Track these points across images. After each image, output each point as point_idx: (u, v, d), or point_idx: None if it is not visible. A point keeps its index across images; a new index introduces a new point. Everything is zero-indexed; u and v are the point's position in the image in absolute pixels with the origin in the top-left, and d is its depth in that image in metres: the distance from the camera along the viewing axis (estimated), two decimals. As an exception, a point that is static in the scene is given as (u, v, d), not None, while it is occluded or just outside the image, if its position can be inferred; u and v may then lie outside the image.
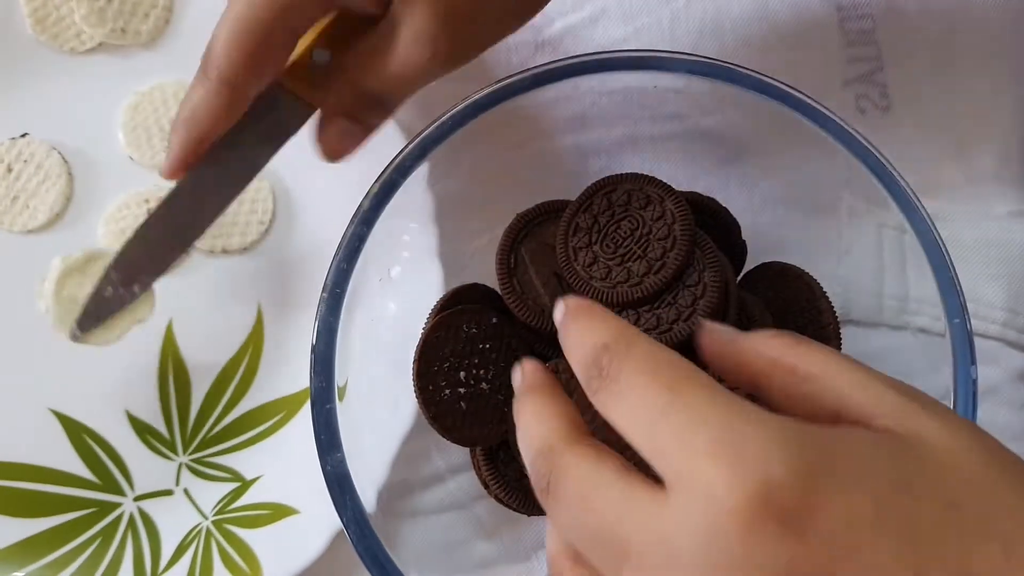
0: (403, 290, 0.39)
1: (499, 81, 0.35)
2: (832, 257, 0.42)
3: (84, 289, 0.40)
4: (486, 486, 0.39)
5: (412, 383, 0.36)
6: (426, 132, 0.34)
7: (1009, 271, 0.42)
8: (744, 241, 0.40)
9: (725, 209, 0.40)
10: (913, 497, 0.20)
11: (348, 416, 0.34)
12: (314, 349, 0.33)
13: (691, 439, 0.20)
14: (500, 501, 0.38)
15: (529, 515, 0.39)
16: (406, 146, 0.34)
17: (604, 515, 0.22)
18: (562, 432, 0.24)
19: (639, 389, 0.22)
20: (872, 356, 0.41)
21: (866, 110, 0.46)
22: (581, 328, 0.25)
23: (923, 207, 0.33)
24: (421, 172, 0.36)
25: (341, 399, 0.34)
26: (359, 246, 0.34)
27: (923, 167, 0.45)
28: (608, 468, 0.22)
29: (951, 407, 0.33)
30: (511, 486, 0.38)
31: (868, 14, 0.46)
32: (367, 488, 0.34)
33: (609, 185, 0.38)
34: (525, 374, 0.28)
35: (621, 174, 0.38)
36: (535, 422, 0.25)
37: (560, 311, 0.27)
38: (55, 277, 0.40)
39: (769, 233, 0.42)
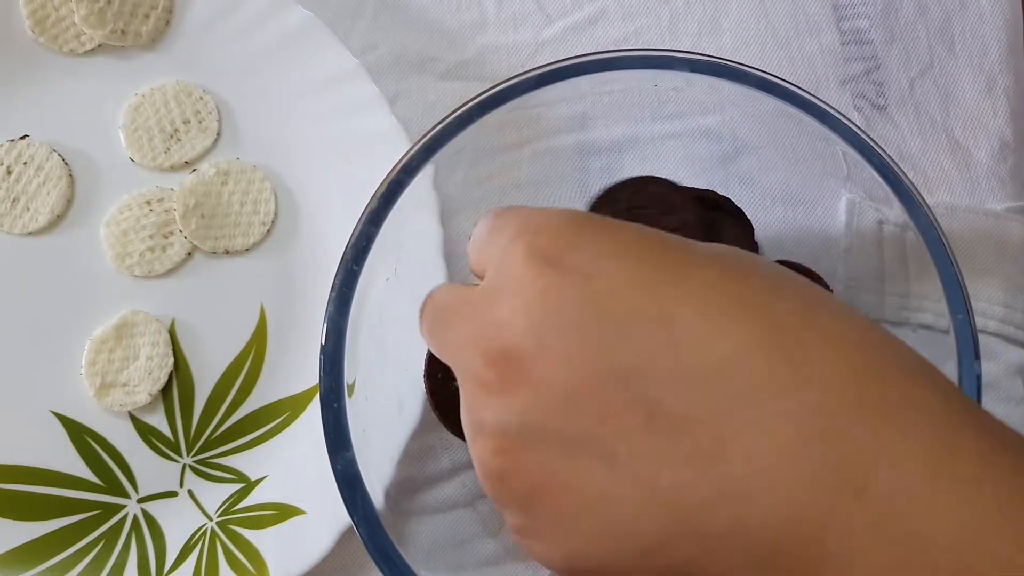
0: (409, 289, 0.39)
1: (504, 81, 0.35)
2: (833, 254, 0.42)
3: (114, 365, 0.42)
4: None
5: (421, 381, 0.37)
6: (433, 132, 0.34)
7: (1006, 267, 0.43)
8: (757, 242, 0.41)
9: (740, 210, 0.40)
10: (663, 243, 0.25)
11: (355, 415, 0.34)
12: (323, 350, 0.33)
13: (506, 231, 0.26)
14: None
15: None
16: (413, 146, 0.34)
17: (441, 303, 0.29)
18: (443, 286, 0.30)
19: (487, 224, 0.28)
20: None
21: (863, 108, 0.46)
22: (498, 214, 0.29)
23: (926, 203, 0.34)
24: (427, 172, 0.36)
25: (349, 398, 0.34)
26: (367, 246, 0.34)
27: (919, 164, 0.45)
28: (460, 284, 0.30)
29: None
30: None
31: (864, 13, 0.46)
32: (375, 487, 0.34)
33: (631, 186, 0.39)
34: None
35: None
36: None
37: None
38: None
39: (770, 231, 0.43)
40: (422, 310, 0.30)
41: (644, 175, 0.41)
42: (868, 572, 0.20)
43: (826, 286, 0.39)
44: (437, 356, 0.29)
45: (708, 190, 0.41)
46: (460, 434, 0.38)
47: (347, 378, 0.34)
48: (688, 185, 0.43)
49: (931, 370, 0.23)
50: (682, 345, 0.22)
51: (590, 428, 0.22)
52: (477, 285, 0.28)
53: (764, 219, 0.43)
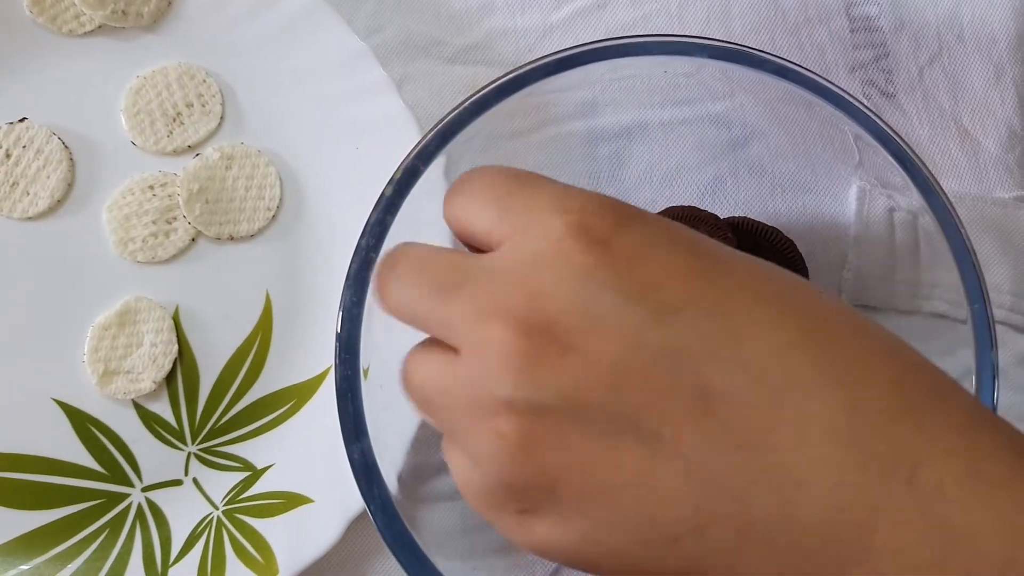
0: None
1: (524, 65, 0.34)
2: (843, 242, 0.42)
3: (117, 352, 0.42)
4: None
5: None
6: (449, 117, 0.34)
7: (1014, 255, 0.43)
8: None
9: (787, 240, 0.40)
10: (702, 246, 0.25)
11: (369, 402, 0.34)
12: (338, 337, 0.33)
13: (535, 202, 0.25)
14: None
15: None
16: (429, 132, 0.34)
17: (441, 267, 0.26)
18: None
19: (490, 179, 0.27)
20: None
21: (871, 96, 0.46)
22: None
23: (943, 189, 0.34)
24: (440, 158, 0.35)
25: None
26: (383, 233, 0.33)
27: (927, 152, 0.45)
28: (444, 249, 0.27)
29: (973, 392, 0.33)
30: None
31: (874, 0, 0.46)
32: (389, 474, 0.34)
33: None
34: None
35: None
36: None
37: None
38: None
39: (780, 218, 0.43)
40: (387, 268, 0.28)
41: (678, 205, 0.41)
42: (918, 558, 0.20)
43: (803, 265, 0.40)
44: (407, 322, 0.27)
45: (744, 217, 0.41)
46: None
47: (361, 367, 0.34)
48: (698, 175, 0.43)
49: (954, 382, 0.24)
50: (739, 333, 0.22)
51: (634, 407, 0.22)
52: (463, 252, 0.26)
53: (774, 207, 0.43)
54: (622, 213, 0.25)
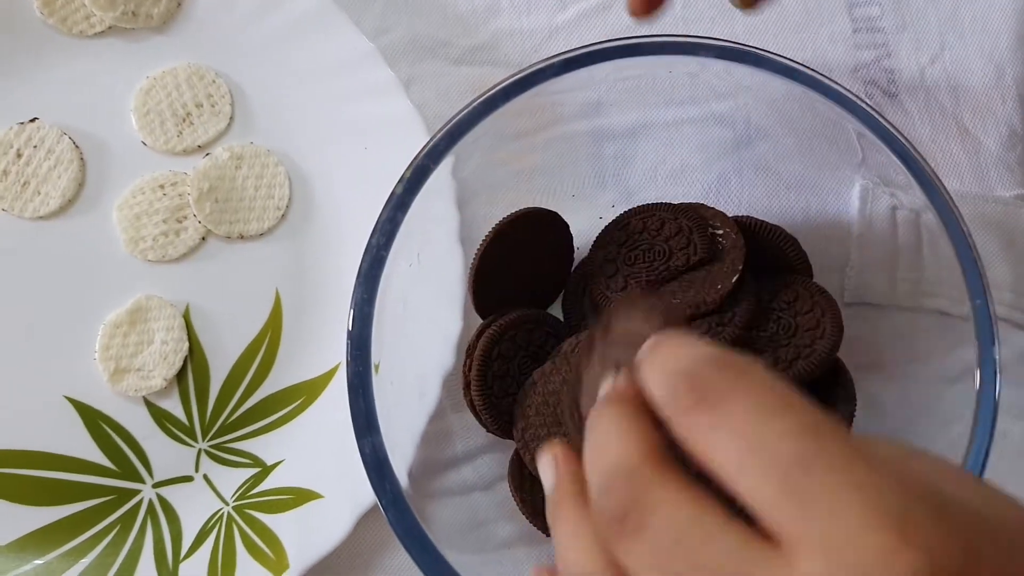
0: (429, 274, 0.40)
1: (531, 65, 0.35)
2: (845, 240, 0.43)
3: (128, 350, 0.42)
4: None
5: (440, 364, 0.37)
6: (458, 117, 0.34)
7: (1015, 253, 0.43)
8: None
9: (789, 238, 0.41)
10: None
11: (380, 398, 0.34)
12: (350, 335, 0.33)
13: (842, 500, 0.18)
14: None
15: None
16: (438, 131, 0.34)
17: (710, 560, 0.19)
18: (647, 454, 0.21)
19: (762, 424, 0.19)
20: (885, 338, 0.42)
21: (873, 95, 0.46)
22: (677, 343, 0.22)
23: (945, 188, 0.34)
24: (449, 157, 0.36)
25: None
26: (393, 231, 0.34)
27: (928, 151, 0.46)
28: (712, 513, 0.20)
29: (974, 388, 0.34)
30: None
31: (876, 1, 0.47)
32: (400, 469, 0.34)
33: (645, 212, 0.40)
34: (615, 385, 0.24)
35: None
36: (615, 437, 0.22)
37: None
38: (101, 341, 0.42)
39: (784, 216, 0.43)
40: (625, 524, 0.21)
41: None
42: None
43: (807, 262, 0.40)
44: None
45: (747, 216, 0.42)
46: (498, 427, 0.39)
47: (372, 363, 0.34)
48: (703, 173, 0.43)
49: None
50: None
51: None
52: (737, 538, 0.19)
53: (778, 205, 0.43)
54: (971, 541, 0.19)
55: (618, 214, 0.41)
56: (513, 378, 0.39)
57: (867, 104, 0.35)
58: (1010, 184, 0.45)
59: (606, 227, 0.41)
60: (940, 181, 0.34)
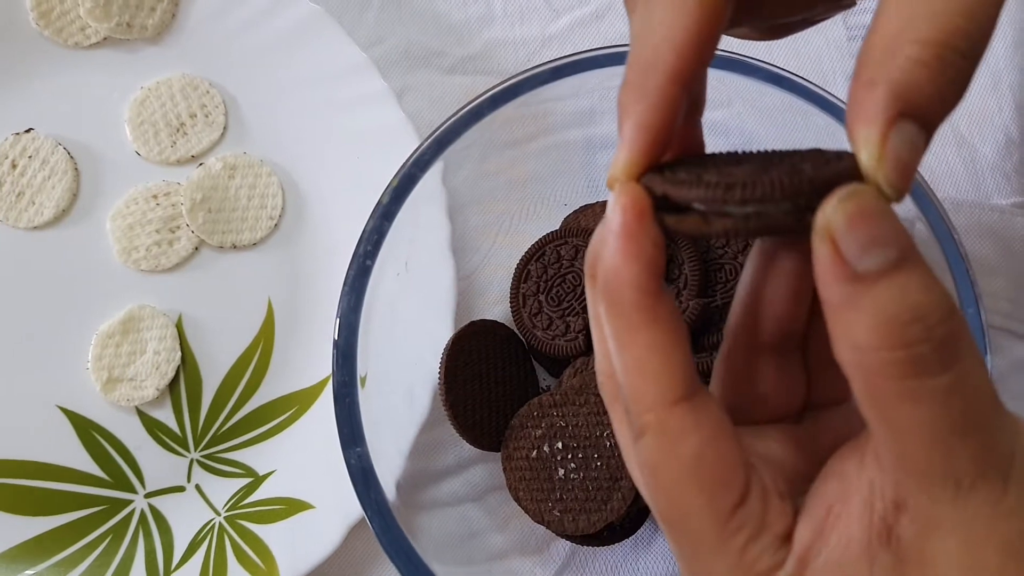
0: (418, 283, 0.39)
1: (517, 74, 0.35)
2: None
3: (121, 359, 0.42)
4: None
5: (430, 375, 0.37)
6: (445, 125, 0.34)
7: (1012, 261, 0.43)
8: None
9: None
10: None
11: (367, 409, 0.34)
12: (336, 344, 0.33)
13: None
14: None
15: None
16: (425, 140, 0.34)
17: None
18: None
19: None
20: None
21: (869, 104, 0.46)
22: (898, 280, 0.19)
23: (936, 197, 0.34)
24: (437, 166, 0.36)
25: (360, 391, 0.34)
26: (380, 240, 0.34)
27: (924, 160, 0.45)
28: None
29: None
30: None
31: (871, 8, 0.46)
32: (387, 480, 0.34)
33: (560, 239, 0.40)
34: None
35: (576, 226, 0.40)
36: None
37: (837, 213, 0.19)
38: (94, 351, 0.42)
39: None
40: None
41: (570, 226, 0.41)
42: None
43: None
44: None
45: None
46: (469, 435, 0.39)
47: (359, 373, 0.34)
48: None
49: None
50: None
51: None
52: None
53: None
54: None
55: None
56: (481, 380, 0.39)
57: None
58: (1007, 192, 0.44)
59: (523, 257, 0.41)
60: (931, 189, 0.34)
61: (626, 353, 0.21)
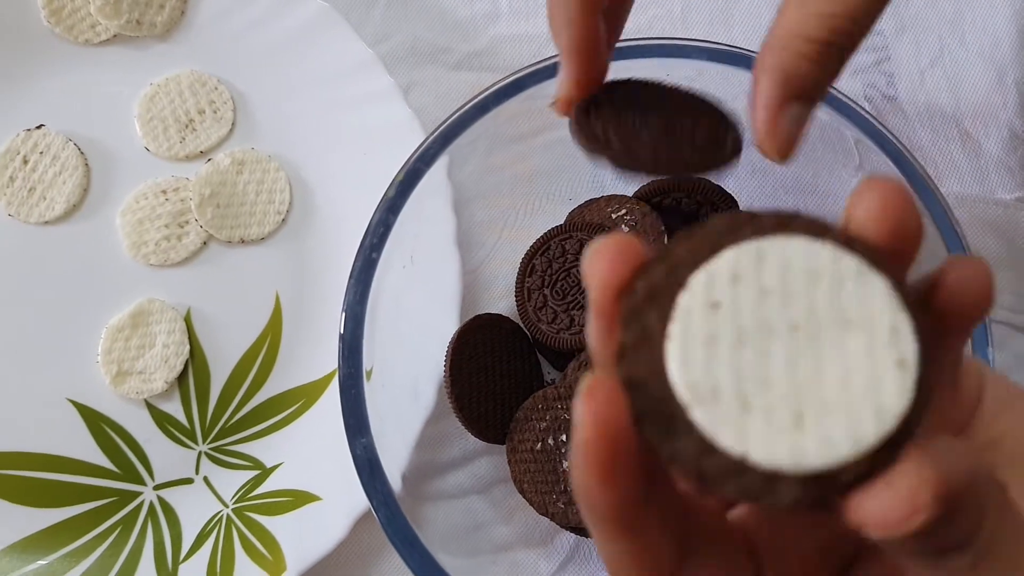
0: (423, 277, 0.40)
1: (522, 69, 0.35)
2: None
3: (130, 353, 0.43)
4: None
5: (436, 368, 0.37)
6: (450, 120, 0.35)
7: (1016, 256, 0.43)
8: None
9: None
10: None
11: (373, 401, 0.34)
12: (342, 336, 0.34)
13: None
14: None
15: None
16: (431, 134, 0.35)
17: None
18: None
19: None
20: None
21: (873, 99, 0.46)
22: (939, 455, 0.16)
23: (939, 191, 0.34)
24: (443, 160, 0.36)
25: (367, 384, 0.34)
26: (385, 233, 0.34)
27: (929, 154, 0.46)
28: None
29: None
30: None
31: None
32: (393, 471, 0.34)
33: (564, 233, 0.40)
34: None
35: (580, 221, 0.41)
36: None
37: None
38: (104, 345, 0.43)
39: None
40: None
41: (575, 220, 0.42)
42: None
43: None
44: None
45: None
46: (472, 424, 0.39)
47: (365, 365, 0.34)
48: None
49: None
50: None
51: None
52: None
53: (776, 207, 0.43)
54: None
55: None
56: (487, 373, 0.40)
57: (857, 105, 0.35)
58: (1011, 187, 0.44)
59: (528, 251, 0.41)
60: (936, 186, 0.34)
61: (605, 547, 0.19)
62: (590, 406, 0.17)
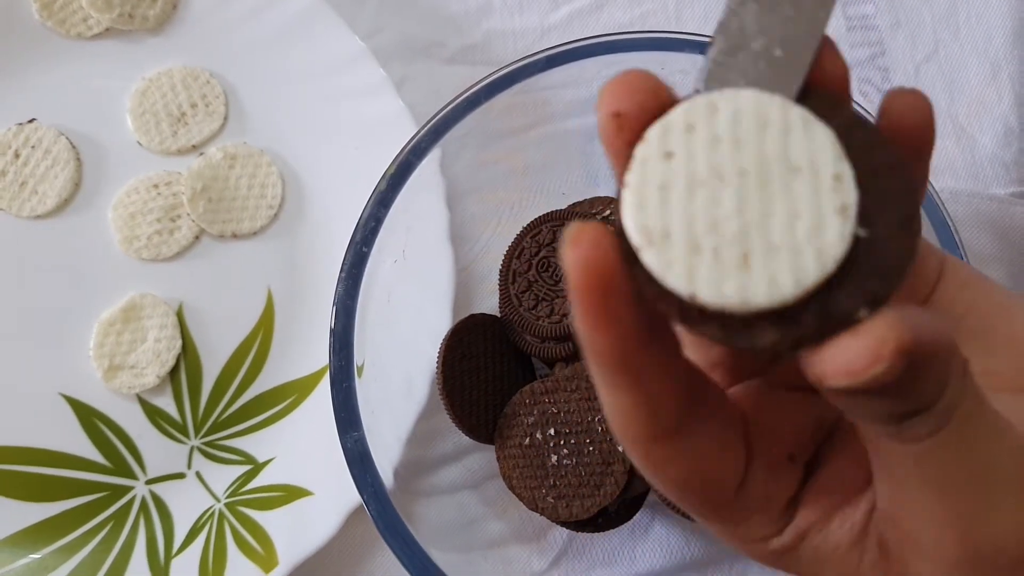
0: (415, 271, 0.40)
1: (513, 63, 0.35)
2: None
3: (122, 347, 0.42)
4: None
5: (428, 363, 0.37)
6: (441, 113, 0.35)
7: (1010, 251, 0.43)
8: None
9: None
10: None
11: (365, 395, 0.34)
12: (333, 330, 0.34)
13: None
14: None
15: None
16: (422, 128, 0.35)
17: None
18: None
19: None
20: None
21: (868, 94, 0.46)
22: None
23: (933, 187, 0.34)
24: (434, 154, 0.36)
25: (358, 379, 0.34)
26: (376, 227, 0.34)
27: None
28: None
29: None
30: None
31: (869, -1, 0.47)
32: (384, 466, 0.34)
33: (558, 219, 0.40)
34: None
35: (577, 207, 0.40)
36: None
37: None
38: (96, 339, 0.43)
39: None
40: None
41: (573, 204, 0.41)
42: None
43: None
44: None
45: None
46: (465, 424, 0.39)
47: (356, 359, 0.34)
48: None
49: None
50: None
51: None
52: None
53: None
54: None
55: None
56: (479, 374, 0.39)
57: (856, 103, 0.35)
58: (1006, 182, 0.44)
59: (519, 234, 0.41)
60: (929, 181, 0.34)
61: (608, 398, 0.20)
62: (576, 251, 0.17)
